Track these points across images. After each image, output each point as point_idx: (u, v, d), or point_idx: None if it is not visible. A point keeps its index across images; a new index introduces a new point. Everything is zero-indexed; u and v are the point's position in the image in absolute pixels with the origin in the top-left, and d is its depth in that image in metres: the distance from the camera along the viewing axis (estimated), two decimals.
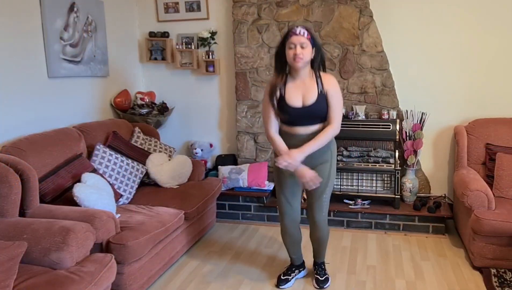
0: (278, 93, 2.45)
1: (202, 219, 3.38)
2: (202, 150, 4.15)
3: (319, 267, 2.78)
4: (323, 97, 2.41)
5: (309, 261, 2.92)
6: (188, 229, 3.14)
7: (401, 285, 2.72)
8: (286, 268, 2.83)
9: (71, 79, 3.41)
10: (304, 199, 3.65)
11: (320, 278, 2.72)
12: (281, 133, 2.53)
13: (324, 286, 2.70)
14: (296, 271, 2.82)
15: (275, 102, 2.46)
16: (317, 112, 2.42)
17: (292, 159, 2.35)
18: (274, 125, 2.52)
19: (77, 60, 3.44)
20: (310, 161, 2.45)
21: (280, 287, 2.72)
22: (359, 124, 3.62)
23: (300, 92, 2.43)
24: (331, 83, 2.43)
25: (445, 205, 3.59)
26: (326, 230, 2.66)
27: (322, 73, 2.46)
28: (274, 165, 2.54)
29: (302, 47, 2.32)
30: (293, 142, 2.45)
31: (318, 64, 2.42)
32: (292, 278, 2.78)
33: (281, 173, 2.55)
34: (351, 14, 3.66)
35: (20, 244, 2.00)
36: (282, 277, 2.75)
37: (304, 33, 2.33)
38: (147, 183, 3.44)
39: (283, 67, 2.45)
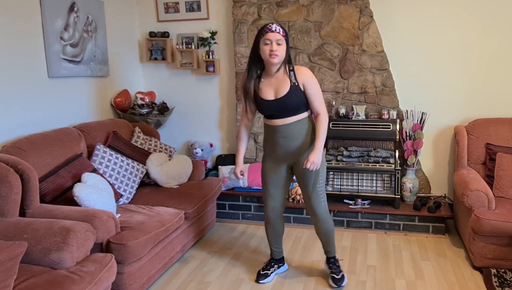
0: (252, 89, 2.53)
1: (202, 219, 3.38)
2: (202, 150, 4.15)
3: (333, 264, 2.76)
4: (296, 89, 2.46)
5: (306, 259, 2.92)
6: (188, 229, 3.14)
7: (401, 285, 2.72)
8: (265, 263, 2.87)
9: (71, 79, 3.42)
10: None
11: (337, 277, 2.70)
12: (264, 125, 2.64)
13: (342, 285, 2.68)
14: (275, 265, 2.85)
15: (247, 99, 2.58)
16: (290, 104, 2.46)
17: (317, 159, 2.43)
18: (245, 120, 2.71)
19: (77, 60, 3.44)
20: (294, 153, 2.55)
21: (260, 281, 2.76)
22: (359, 124, 3.63)
23: (273, 87, 2.50)
24: (306, 74, 2.48)
25: (445, 205, 3.59)
26: (330, 221, 2.66)
27: (295, 66, 2.50)
28: (263, 157, 2.70)
29: (278, 44, 2.37)
30: (273, 134, 2.56)
31: (287, 58, 2.49)
32: (272, 273, 2.81)
33: (267, 169, 2.66)
34: (351, 14, 3.66)
35: (20, 244, 2.00)
36: (261, 272, 2.79)
37: (280, 30, 2.38)
38: (147, 183, 3.44)
39: (256, 63, 2.50)
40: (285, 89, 2.46)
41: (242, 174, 2.72)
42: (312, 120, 2.60)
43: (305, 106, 2.52)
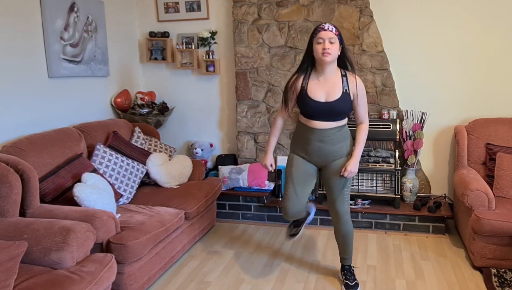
0: (299, 86, 2.50)
1: (202, 219, 3.38)
2: (202, 150, 4.15)
3: (348, 271, 2.72)
4: (346, 96, 2.45)
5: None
6: (188, 229, 3.14)
7: (401, 285, 2.72)
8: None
9: (71, 79, 3.41)
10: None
11: (350, 283, 2.66)
12: (299, 123, 2.60)
13: None
14: (304, 222, 2.76)
15: (292, 95, 2.54)
16: (339, 110, 2.45)
17: (354, 168, 2.47)
18: (282, 113, 2.66)
19: (77, 60, 3.44)
20: (327, 157, 2.53)
21: (293, 237, 2.74)
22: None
23: (323, 88, 2.46)
24: (359, 83, 2.48)
25: (445, 205, 3.59)
26: (350, 224, 2.64)
27: (348, 73, 2.49)
28: (290, 157, 2.64)
29: (330, 42, 2.36)
30: (309, 135, 2.52)
31: (345, 62, 2.48)
32: (302, 226, 2.75)
33: (298, 164, 2.60)
34: (351, 14, 3.66)
35: (20, 244, 2.00)
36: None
37: (332, 29, 2.38)
38: (147, 183, 3.44)
39: (309, 63, 2.49)
40: (337, 94, 2.43)
41: (271, 166, 2.68)
42: (347, 127, 2.59)
43: (346, 115, 2.53)
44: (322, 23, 2.41)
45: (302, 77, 2.50)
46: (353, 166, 2.46)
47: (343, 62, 2.49)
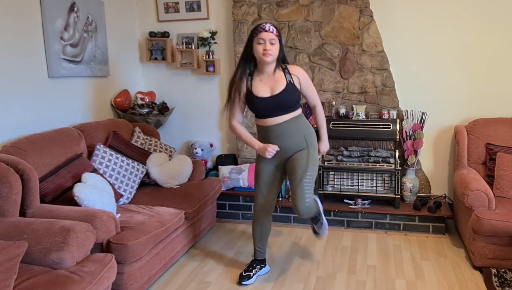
0: (244, 89, 2.54)
1: (202, 219, 3.38)
2: (202, 150, 4.15)
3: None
4: (291, 86, 2.51)
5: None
6: (188, 229, 3.14)
7: (401, 285, 2.72)
8: (248, 265, 2.86)
9: (71, 79, 3.41)
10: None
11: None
12: (257, 127, 2.65)
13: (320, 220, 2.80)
14: (258, 267, 2.84)
15: (240, 99, 2.58)
16: (287, 100, 2.49)
17: (326, 147, 2.76)
18: (235, 117, 2.66)
19: (77, 60, 3.44)
20: (287, 152, 2.57)
21: (242, 283, 2.74)
22: (359, 124, 3.62)
23: (267, 84, 2.51)
24: (300, 72, 2.58)
25: (445, 205, 3.59)
26: (313, 212, 2.63)
27: (288, 66, 2.56)
28: (257, 156, 2.67)
29: (271, 43, 2.41)
30: (266, 134, 2.57)
31: (281, 58, 2.53)
32: (254, 274, 2.80)
33: (260, 166, 2.66)
34: (351, 14, 3.66)
35: (20, 244, 2.00)
36: (243, 274, 2.78)
37: (273, 30, 2.42)
38: (147, 183, 3.44)
39: (248, 62, 2.52)
40: (281, 86, 2.49)
41: (274, 146, 2.53)
42: (304, 117, 2.63)
43: (298, 104, 2.57)
44: (262, 23, 2.44)
45: (245, 80, 2.54)
46: (324, 147, 2.73)
47: (281, 58, 2.53)
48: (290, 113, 2.52)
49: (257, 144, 2.58)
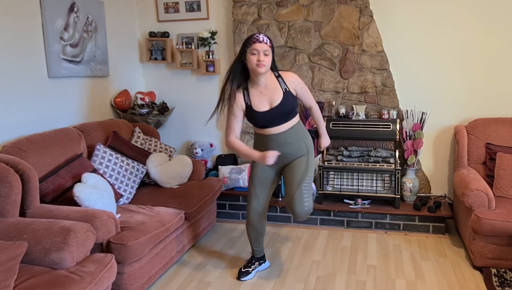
0: (243, 103, 2.53)
1: (202, 219, 3.38)
2: (202, 150, 4.15)
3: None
4: (288, 94, 2.52)
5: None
6: (188, 229, 3.14)
7: (401, 285, 2.72)
8: (247, 261, 2.89)
9: (71, 79, 3.41)
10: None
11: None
12: (256, 134, 2.65)
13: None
14: (256, 263, 2.88)
15: (240, 114, 2.54)
16: (286, 110, 2.51)
17: (327, 142, 2.81)
18: (234, 132, 2.58)
19: (77, 60, 3.44)
20: (289, 158, 2.59)
21: (241, 279, 2.79)
22: (359, 124, 3.63)
23: (265, 97, 2.52)
24: (294, 78, 2.57)
25: (445, 204, 3.59)
26: (309, 214, 2.59)
27: (281, 72, 2.56)
28: (252, 162, 2.67)
29: (265, 54, 2.41)
30: (267, 141, 2.57)
31: (273, 65, 2.54)
32: (253, 270, 2.84)
33: (257, 169, 2.66)
34: (351, 14, 3.66)
35: (20, 244, 2.00)
36: (242, 270, 2.82)
37: (267, 41, 2.43)
38: (147, 183, 3.44)
39: (240, 72, 2.51)
40: (278, 97, 2.50)
41: (273, 152, 2.47)
42: (302, 123, 2.66)
43: (296, 110, 2.58)
44: (256, 33, 2.44)
45: (241, 94, 2.53)
46: (325, 142, 2.79)
47: (274, 66, 2.55)
48: (290, 121, 2.55)
49: (256, 154, 2.49)
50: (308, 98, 2.65)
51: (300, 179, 2.53)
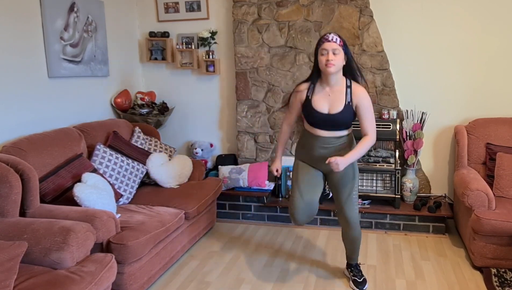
0: (304, 95, 2.55)
1: (202, 219, 3.38)
2: (202, 150, 4.15)
3: (354, 268, 2.75)
4: (349, 108, 2.47)
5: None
6: (188, 229, 3.14)
7: (401, 285, 2.72)
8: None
9: (71, 79, 3.41)
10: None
11: (358, 280, 2.67)
12: (304, 130, 2.64)
13: (364, 288, 2.65)
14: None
15: (298, 103, 2.61)
16: (341, 121, 2.48)
17: (341, 164, 2.34)
18: (287, 120, 2.75)
19: (77, 60, 3.44)
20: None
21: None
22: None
23: (327, 99, 2.49)
24: (362, 96, 2.47)
25: (446, 204, 3.59)
26: (359, 229, 2.64)
27: (353, 84, 2.49)
28: (296, 160, 2.70)
29: (334, 54, 2.37)
30: (313, 142, 2.56)
31: (351, 71, 2.49)
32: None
33: (299, 165, 2.65)
34: (351, 14, 3.66)
35: (20, 244, 2.00)
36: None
37: (336, 39, 2.38)
38: (147, 183, 3.44)
39: (317, 73, 2.51)
40: (339, 106, 2.46)
41: (277, 171, 2.78)
42: (352, 135, 2.62)
43: (350, 124, 2.56)
44: (326, 33, 2.42)
45: (307, 87, 2.55)
46: (342, 161, 2.33)
47: (350, 71, 2.49)
48: (342, 131, 2.53)
49: (276, 157, 2.82)
50: (365, 122, 2.48)
51: (350, 190, 2.56)
